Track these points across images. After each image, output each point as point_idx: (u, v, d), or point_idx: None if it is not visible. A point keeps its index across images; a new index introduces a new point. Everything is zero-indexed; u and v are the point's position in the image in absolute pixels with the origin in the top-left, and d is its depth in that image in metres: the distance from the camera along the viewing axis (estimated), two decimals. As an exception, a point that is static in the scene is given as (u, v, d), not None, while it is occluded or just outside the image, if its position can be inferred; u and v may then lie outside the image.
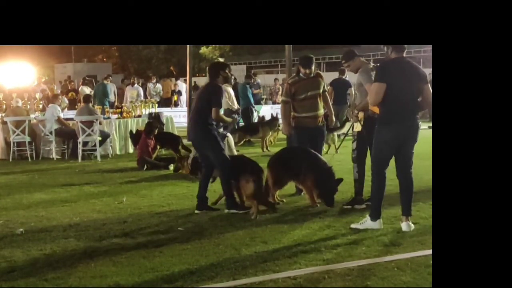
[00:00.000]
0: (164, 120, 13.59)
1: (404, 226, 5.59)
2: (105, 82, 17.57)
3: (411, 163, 5.67)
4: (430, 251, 4.53)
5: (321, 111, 7.25)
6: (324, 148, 9.36)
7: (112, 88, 17.69)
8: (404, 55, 5.61)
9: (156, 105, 15.27)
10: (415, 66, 5.79)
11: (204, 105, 6.50)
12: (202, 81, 32.56)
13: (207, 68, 6.94)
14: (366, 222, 5.63)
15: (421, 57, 25.74)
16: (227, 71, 6.74)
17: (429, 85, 5.74)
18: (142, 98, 17.69)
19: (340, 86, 14.10)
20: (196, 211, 6.41)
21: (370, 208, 5.80)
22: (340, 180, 6.55)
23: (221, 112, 6.85)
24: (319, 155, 6.86)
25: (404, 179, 5.71)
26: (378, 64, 6.24)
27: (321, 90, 7.21)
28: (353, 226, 5.67)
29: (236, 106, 13.22)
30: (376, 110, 5.65)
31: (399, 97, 5.46)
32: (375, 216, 5.63)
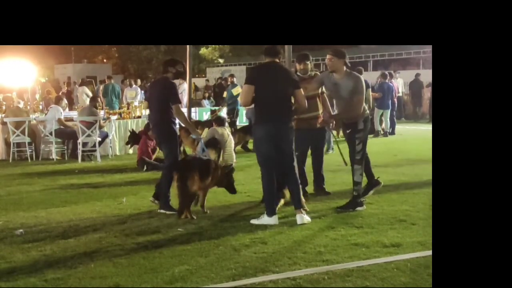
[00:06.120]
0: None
1: (298, 218, 5.85)
2: (113, 82, 17.70)
3: (291, 160, 5.96)
4: (430, 252, 4.53)
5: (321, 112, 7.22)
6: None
7: (118, 89, 17.94)
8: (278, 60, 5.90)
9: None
10: (286, 71, 6.07)
11: (162, 103, 6.50)
12: (201, 82, 32.56)
13: (167, 62, 6.79)
14: (263, 218, 5.84)
15: (421, 57, 25.71)
16: (177, 67, 6.70)
17: (301, 90, 6.02)
18: (140, 98, 17.71)
19: (384, 90, 15.38)
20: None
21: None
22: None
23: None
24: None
25: (288, 176, 5.99)
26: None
27: (320, 91, 7.18)
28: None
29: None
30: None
31: (267, 99, 5.77)
32: (270, 212, 5.84)
